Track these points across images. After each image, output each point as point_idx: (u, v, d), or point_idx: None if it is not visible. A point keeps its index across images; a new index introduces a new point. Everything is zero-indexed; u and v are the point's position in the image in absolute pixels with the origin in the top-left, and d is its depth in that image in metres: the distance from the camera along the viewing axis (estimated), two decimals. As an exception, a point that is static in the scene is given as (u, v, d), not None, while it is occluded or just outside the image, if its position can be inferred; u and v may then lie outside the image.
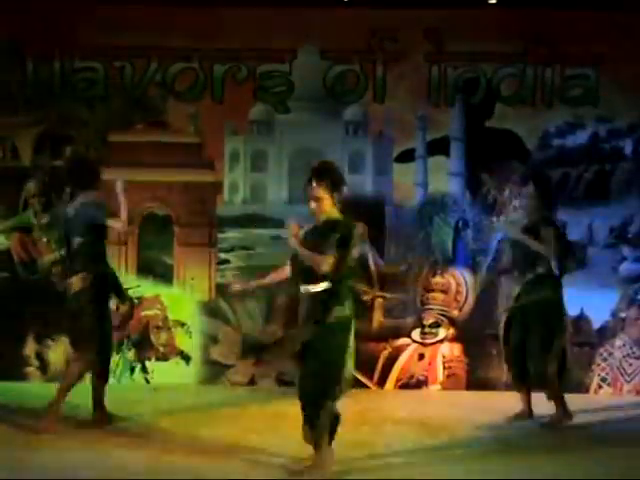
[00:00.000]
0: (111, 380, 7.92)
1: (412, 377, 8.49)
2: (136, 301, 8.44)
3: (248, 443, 6.16)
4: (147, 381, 8.38)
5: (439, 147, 8.47)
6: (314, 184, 5.56)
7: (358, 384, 8.07)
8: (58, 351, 8.22)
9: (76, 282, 6.74)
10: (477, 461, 6.09)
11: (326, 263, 5.39)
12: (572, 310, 8.17)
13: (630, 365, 8.30)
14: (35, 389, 7.73)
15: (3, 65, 8.33)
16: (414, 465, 5.90)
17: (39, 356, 8.30)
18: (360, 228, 8.11)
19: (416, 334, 8.52)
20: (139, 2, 8.13)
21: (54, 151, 8.41)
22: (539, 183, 7.05)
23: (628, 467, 5.90)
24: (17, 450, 6.16)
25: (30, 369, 8.30)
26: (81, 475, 5.61)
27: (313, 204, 5.61)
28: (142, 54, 8.37)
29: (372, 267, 8.39)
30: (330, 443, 5.48)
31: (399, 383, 8.43)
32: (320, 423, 5.38)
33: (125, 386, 8.24)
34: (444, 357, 8.50)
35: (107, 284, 6.89)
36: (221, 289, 8.41)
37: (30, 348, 8.28)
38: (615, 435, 6.82)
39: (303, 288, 5.57)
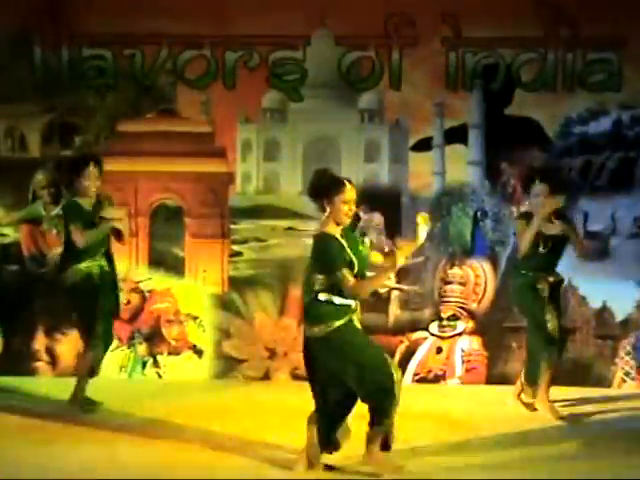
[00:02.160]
0: (122, 375, 8.42)
1: (430, 371, 8.52)
2: (147, 294, 8.51)
3: (263, 439, 6.16)
4: (159, 376, 8.44)
5: (457, 135, 8.48)
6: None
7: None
8: (68, 345, 8.27)
9: (69, 275, 6.96)
10: (497, 456, 6.07)
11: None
12: (594, 302, 8.37)
13: None
14: (45, 383, 7.86)
15: (11, 53, 8.37)
16: (433, 461, 5.87)
17: (49, 350, 8.35)
18: (376, 219, 8.41)
19: (434, 327, 8.55)
20: None
21: (63, 141, 8.47)
22: (547, 179, 7.02)
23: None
24: (29, 445, 6.19)
25: (40, 364, 8.35)
26: (91, 471, 5.64)
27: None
28: (152, 41, 8.38)
29: (388, 258, 8.49)
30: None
31: (416, 377, 8.45)
32: (390, 421, 5.42)
33: (137, 381, 8.34)
34: (463, 351, 8.51)
35: (104, 278, 7.02)
36: (233, 281, 8.49)
37: (40, 342, 8.33)
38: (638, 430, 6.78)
39: None
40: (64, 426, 6.68)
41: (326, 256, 5.37)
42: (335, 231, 5.45)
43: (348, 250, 5.38)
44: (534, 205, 7.00)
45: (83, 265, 6.98)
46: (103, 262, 7.07)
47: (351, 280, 5.27)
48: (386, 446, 5.57)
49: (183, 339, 8.51)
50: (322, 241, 5.44)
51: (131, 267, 8.47)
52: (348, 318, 5.37)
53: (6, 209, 8.46)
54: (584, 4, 8.19)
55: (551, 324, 6.95)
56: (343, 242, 5.41)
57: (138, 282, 8.50)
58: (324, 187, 5.53)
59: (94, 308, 6.95)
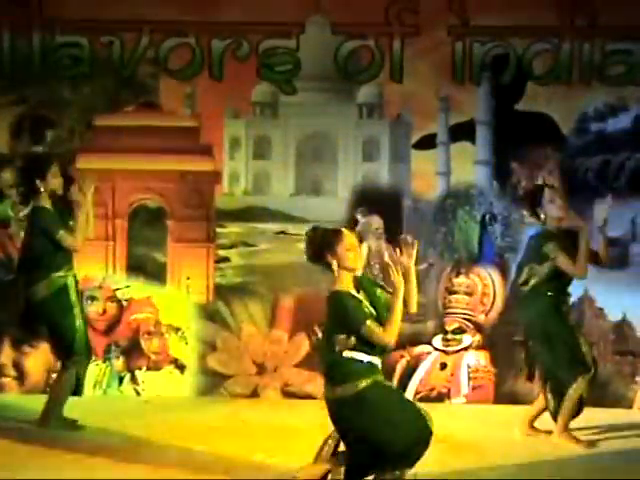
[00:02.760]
0: (97, 391, 8.29)
1: (433, 389, 8.43)
2: (125, 303, 8.45)
3: (250, 461, 6.14)
4: (137, 393, 8.35)
5: (463, 132, 8.43)
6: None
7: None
8: (37, 359, 8.19)
9: (40, 289, 6.92)
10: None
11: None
12: (613, 315, 8.31)
13: None
14: (12, 401, 7.79)
15: None
16: None
17: (16, 365, 8.24)
18: (375, 222, 8.26)
19: (437, 341, 8.48)
20: None
21: (34, 136, 8.43)
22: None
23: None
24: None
25: (6, 380, 8.24)
26: None
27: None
28: (132, 28, 8.34)
29: (389, 265, 8.34)
30: None
31: (418, 396, 8.26)
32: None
33: (112, 398, 8.23)
34: (469, 367, 8.43)
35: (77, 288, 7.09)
36: (220, 290, 8.48)
37: (6, 356, 8.23)
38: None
39: None
40: (34, 449, 6.58)
41: (345, 316, 5.32)
42: (349, 286, 5.38)
43: (366, 302, 5.35)
44: (551, 216, 6.86)
45: (56, 276, 6.93)
46: (74, 270, 7.07)
47: (379, 330, 5.26)
48: None
49: (164, 353, 8.43)
50: (337, 301, 5.37)
51: (108, 274, 8.47)
52: (375, 378, 5.32)
53: (-30, 210, 8.43)
54: None
55: (585, 348, 6.85)
56: (359, 296, 5.38)
57: (115, 290, 8.45)
58: (321, 244, 5.46)
59: (72, 323, 6.97)
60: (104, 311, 8.39)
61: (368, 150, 8.54)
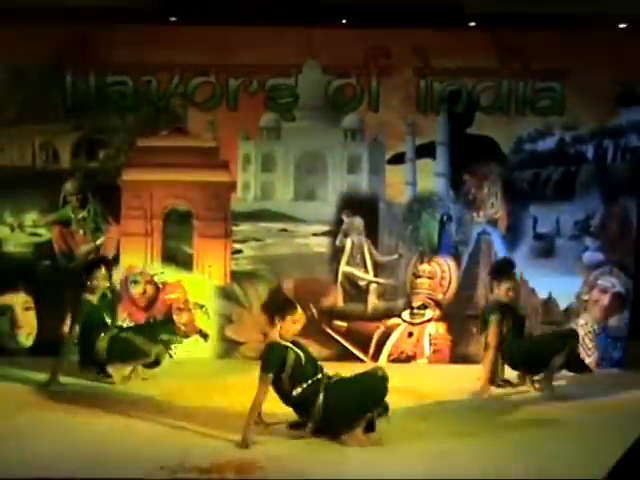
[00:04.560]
0: None
1: (402, 353, 8.56)
2: (160, 286, 8.51)
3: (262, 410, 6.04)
4: (170, 356, 8.03)
5: (426, 151, 8.49)
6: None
7: (355, 358, 8.35)
8: None
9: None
10: (458, 423, 6.30)
11: None
12: (542, 293, 8.47)
13: (591, 341, 8.35)
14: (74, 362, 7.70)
15: (46, 80, 8.34)
16: (404, 427, 6.03)
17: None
18: (357, 222, 8.43)
19: (406, 315, 8.59)
20: (163, 24, 8.16)
21: (90, 154, 8.48)
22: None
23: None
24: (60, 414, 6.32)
25: None
26: (109, 441, 5.75)
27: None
28: (166, 69, 8.39)
29: (367, 256, 8.51)
30: None
31: (391, 358, 8.51)
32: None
33: None
34: (430, 335, 8.56)
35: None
36: (235, 275, 8.50)
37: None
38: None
39: None
40: (91, 397, 6.83)
41: (263, 359, 5.73)
42: (278, 338, 5.75)
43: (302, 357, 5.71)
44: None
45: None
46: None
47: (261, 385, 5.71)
48: (371, 427, 5.79)
49: (191, 324, 8.48)
50: (266, 347, 5.77)
51: (147, 262, 8.51)
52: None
53: (41, 212, 8.49)
54: (533, 42, 8.22)
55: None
56: (292, 346, 5.74)
57: (153, 275, 8.51)
58: (276, 308, 5.77)
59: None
60: (144, 292, 8.45)
61: (351, 165, 8.51)
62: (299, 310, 5.80)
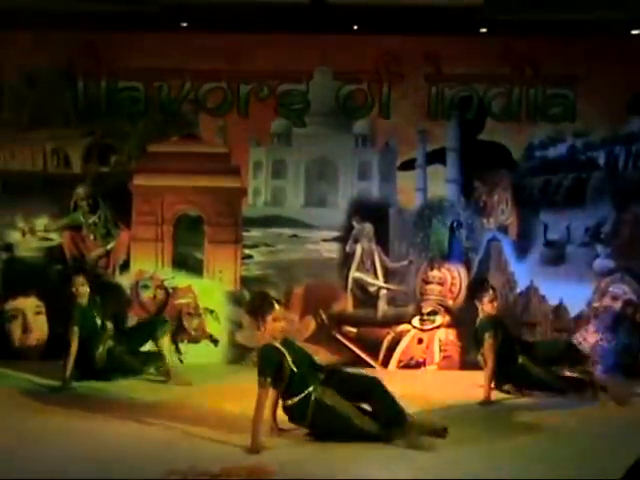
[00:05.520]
0: None
1: (412, 359, 8.56)
2: (171, 290, 8.55)
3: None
4: (180, 361, 8.42)
5: (437, 157, 8.53)
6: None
7: (365, 364, 8.34)
8: None
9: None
10: (465, 429, 6.22)
11: None
12: (552, 300, 8.47)
13: (602, 348, 8.33)
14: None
15: (58, 85, 8.42)
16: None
17: None
18: (367, 228, 8.46)
19: (416, 321, 8.60)
20: (175, 30, 8.23)
21: (101, 160, 8.54)
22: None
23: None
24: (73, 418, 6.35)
25: None
26: (119, 445, 5.77)
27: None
28: (177, 75, 8.47)
29: (377, 262, 8.54)
30: None
31: (401, 364, 8.51)
32: None
33: None
34: (440, 341, 8.57)
35: None
36: (245, 280, 8.53)
37: None
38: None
39: None
40: (103, 402, 6.87)
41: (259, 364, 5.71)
42: (271, 340, 5.74)
43: (289, 358, 5.68)
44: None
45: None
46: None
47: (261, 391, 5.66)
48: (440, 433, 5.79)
49: (201, 329, 8.55)
50: (260, 351, 5.77)
51: (158, 267, 8.56)
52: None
53: (52, 217, 8.55)
54: (544, 48, 8.28)
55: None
56: (283, 349, 5.71)
57: (163, 280, 8.56)
58: (256, 309, 5.82)
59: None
60: (154, 296, 8.49)
61: (362, 171, 8.56)
62: (277, 307, 5.78)
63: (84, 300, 7.59)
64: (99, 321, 7.63)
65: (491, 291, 7.42)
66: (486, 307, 7.36)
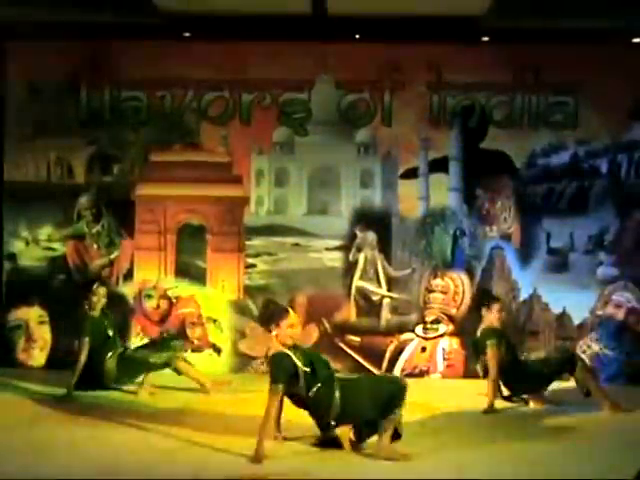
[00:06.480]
0: None
1: (415, 367, 8.58)
2: (174, 300, 8.58)
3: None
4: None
5: (439, 165, 8.54)
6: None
7: (368, 373, 8.32)
8: None
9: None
10: (466, 435, 6.35)
11: None
12: (555, 308, 8.49)
13: (605, 356, 8.38)
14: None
15: (61, 95, 8.48)
16: (418, 442, 6.02)
17: None
18: (370, 236, 8.49)
19: (419, 330, 8.61)
20: (177, 40, 8.27)
21: (104, 169, 8.58)
22: None
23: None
24: (80, 428, 6.35)
25: None
26: (123, 454, 5.77)
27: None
28: (180, 85, 8.50)
29: (380, 271, 8.56)
30: None
31: (404, 373, 8.46)
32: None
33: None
34: (444, 350, 8.59)
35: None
36: (248, 289, 8.56)
37: None
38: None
39: None
40: (106, 410, 6.89)
41: (271, 371, 5.70)
42: (283, 347, 5.72)
43: (299, 363, 5.66)
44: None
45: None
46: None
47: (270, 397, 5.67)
48: (397, 435, 5.79)
49: (204, 339, 8.57)
50: (272, 358, 5.72)
51: (160, 277, 8.59)
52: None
53: (55, 227, 8.59)
54: (546, 56, 8.29)
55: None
56: (292, 354, 5.69)
57: (166, 290, 8.59)
58: (270, 318, 5.79)
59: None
60: (158, 306, 8.52)
61: (364, 179, 8.57)
62: (292, 313, 5.81)
63: (97, 311, 7.58)
64: (110, 332, 7.62)
65: (501, 302, 7.47)
66: (492, 316, 7.35)
